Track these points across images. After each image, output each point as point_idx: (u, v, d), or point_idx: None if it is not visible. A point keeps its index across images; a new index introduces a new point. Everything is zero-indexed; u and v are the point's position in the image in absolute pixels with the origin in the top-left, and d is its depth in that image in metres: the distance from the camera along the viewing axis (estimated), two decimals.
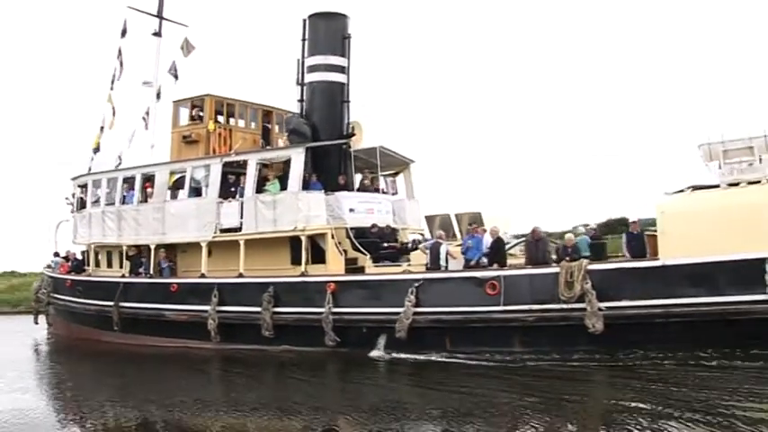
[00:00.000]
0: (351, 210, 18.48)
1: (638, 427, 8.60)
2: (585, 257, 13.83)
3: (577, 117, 66.83)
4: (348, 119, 19.86)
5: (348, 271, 17.16)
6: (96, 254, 22.32)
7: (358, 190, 20.32)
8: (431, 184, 21.80)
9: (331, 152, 19.27)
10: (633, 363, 12.44)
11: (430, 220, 17.91)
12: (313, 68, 19.58)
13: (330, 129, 19.46)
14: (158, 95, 23.18)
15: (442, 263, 15.20)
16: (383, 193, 21.21)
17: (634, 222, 14.06)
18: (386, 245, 18.34)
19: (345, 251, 17.71)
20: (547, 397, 10.67)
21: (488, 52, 72.68)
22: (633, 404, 9.67)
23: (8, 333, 26.00)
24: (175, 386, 14.33)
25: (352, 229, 18.11)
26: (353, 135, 19.61)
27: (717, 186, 13.11)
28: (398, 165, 21.40)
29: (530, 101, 70.13)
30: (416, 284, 14.88)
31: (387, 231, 18.95)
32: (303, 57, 19.83)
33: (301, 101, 19.90)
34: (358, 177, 21.08)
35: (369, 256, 17.23)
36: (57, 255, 23.85)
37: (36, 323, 24.04)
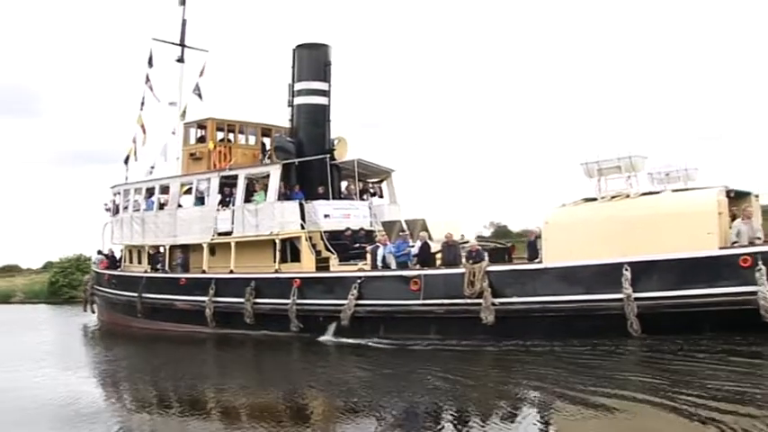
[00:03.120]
0: (326, 216, 21.35)
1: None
2: None
3: (552, 124, 68.63)
4: (329, 136, 22.82)
5: (319, 269, 20.11)
6: (130, 252, 26.27)
7: (342, 197, 23.32)
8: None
9: (313, 165, 22.21)
10: (515, 350, 14.71)
11: (388, 225, 20.54)
12: (299, 92, 22.63)
13: (314, 145, 22.48)
14: (184, 114, 26.67)
15: (379, 263, 17.92)
16: (372, 196, 24.21)
17: (531, 231, 16.27)
18: (356, 245, 21.22)
19: (320, 252, 20.66)
20: (439, 374, 13.05)
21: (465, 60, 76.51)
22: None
23: (66, 320, 30.84)
24: (182, 364, 17.45)
25: (326, 232, 20.95)
26: (333, 151, 22.53)
27: (595, 200, 15.26)
28: (381, 174, 24.21)
29: (505, 106, 73.27)
30: (359, 281, 17.68)
31: (360, 234, 21.74)
32: (293, 82, 22.93)
33: (291, 120, 23.06)
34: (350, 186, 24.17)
35: (335, 255, 20.12)
36: (100, 252, 27.93)
37: (84, 311, 28.30)
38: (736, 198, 15.14)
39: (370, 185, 24.69)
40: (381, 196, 24.68)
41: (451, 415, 10.23)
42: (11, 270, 56.46)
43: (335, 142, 23.06)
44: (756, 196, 15.97)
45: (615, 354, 13.29)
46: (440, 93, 79.95)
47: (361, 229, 21.81)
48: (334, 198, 22.53)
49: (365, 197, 23.93)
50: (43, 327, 28.55)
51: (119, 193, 26.25)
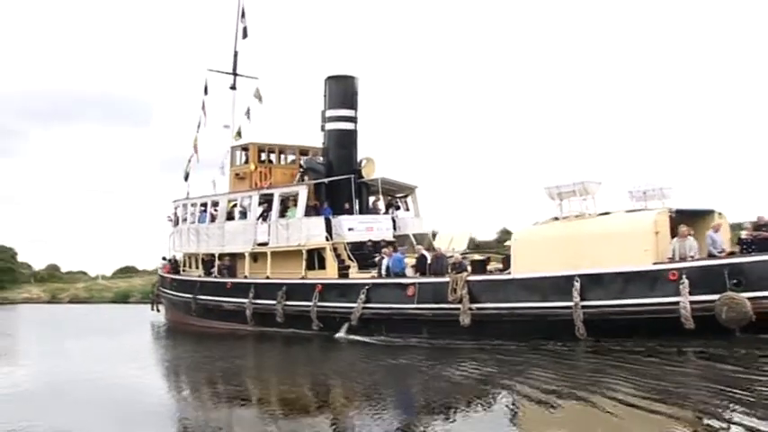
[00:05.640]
0: (350, 229, 24.34)
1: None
2: None
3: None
4: (356, 157, 25.81)
5: (341, 276, 23.08)
6: (189, 258, 30.10)
7: (369, 211, 26.25)
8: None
9: (341, 184, 25.29)
10: (481, 348, 17.10)
11: (401, 239, 23.31)
12: (329, 119, 25.77)
13: (342, 165, 25.60)
14: (239, 134, 30.11)
15: (383, 272, 20.72)
16: (397, 209, 27.06)
17: (506, 244, 18.65)
18: (376, 255, 24.07)
19: (343, 261, 23.64)
20: (427, 366, 15.63)
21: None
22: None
23: (139, 318, 35.03)
24: (229, 356, 20.29)
25: (350, 243, 23.96)
26: (359, 171, 25.51)
27: (557, 219, 17.54)
28: (405, 189, 27.03)
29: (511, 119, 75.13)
30: (366, 287, 20.55)
31: (381, 245, 24.57)
32: (324, 109, 26.06)
33: (323, 143, 26.21)
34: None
35: (356, 264, 23.07)
36: (164, 258, 31.97)
37: (152, 310, 32.41)
38: (697, 216, 17.17)
39: (397, 200, 27.51)
40: (408, 209, 27.47)
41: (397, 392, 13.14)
42: (129, 271, 61.40)
43: (363, 162, 26.04)
44: (720, 214, 17.84)
45: (556, 353, 15.61)
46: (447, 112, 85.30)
47: (382, 240, 24.64)
48: (360, 212, 25.51)
49: (390, 211, 26.77)
50: (130, 325, 32.09)
51: (179, 207, 30.16)
